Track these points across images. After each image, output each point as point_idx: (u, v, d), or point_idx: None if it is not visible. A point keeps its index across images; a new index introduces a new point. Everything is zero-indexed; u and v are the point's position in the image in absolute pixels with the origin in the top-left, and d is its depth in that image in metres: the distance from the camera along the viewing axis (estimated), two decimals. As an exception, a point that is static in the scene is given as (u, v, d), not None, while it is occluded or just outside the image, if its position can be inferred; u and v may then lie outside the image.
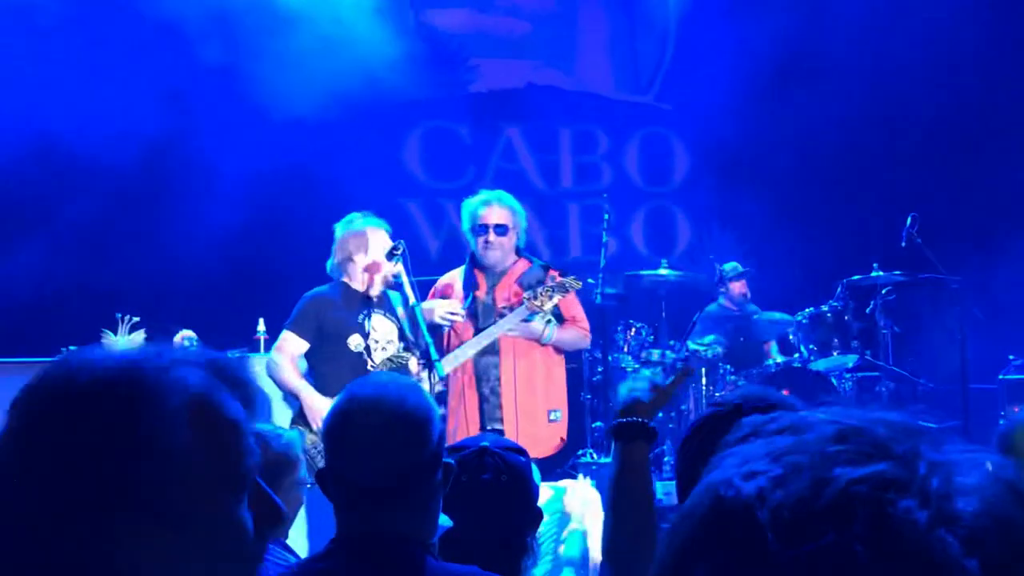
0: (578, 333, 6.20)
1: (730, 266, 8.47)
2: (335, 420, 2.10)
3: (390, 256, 5.57)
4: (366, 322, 5.64)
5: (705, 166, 10.41)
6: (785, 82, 9.44)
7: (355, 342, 5.56)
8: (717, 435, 0.89)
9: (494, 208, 6.16)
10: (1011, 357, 8.29)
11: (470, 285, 6.16)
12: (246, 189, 8.45)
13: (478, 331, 5.93)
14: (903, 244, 7.56)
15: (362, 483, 2.04)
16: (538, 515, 2.51)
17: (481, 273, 6.20)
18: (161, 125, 8.33)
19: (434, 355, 5.24)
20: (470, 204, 6.23)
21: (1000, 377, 8.07)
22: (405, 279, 5.51)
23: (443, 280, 6.36)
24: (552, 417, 6.01)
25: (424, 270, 8.59)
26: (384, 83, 9.37)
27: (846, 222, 9.54)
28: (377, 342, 5.63)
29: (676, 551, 0.77)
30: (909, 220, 7.52)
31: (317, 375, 5.60)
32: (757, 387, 2.15)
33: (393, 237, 5.80)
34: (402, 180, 10.18)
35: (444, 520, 2.16)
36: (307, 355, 5.69)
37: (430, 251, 10.16)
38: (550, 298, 5.84)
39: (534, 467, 2.53)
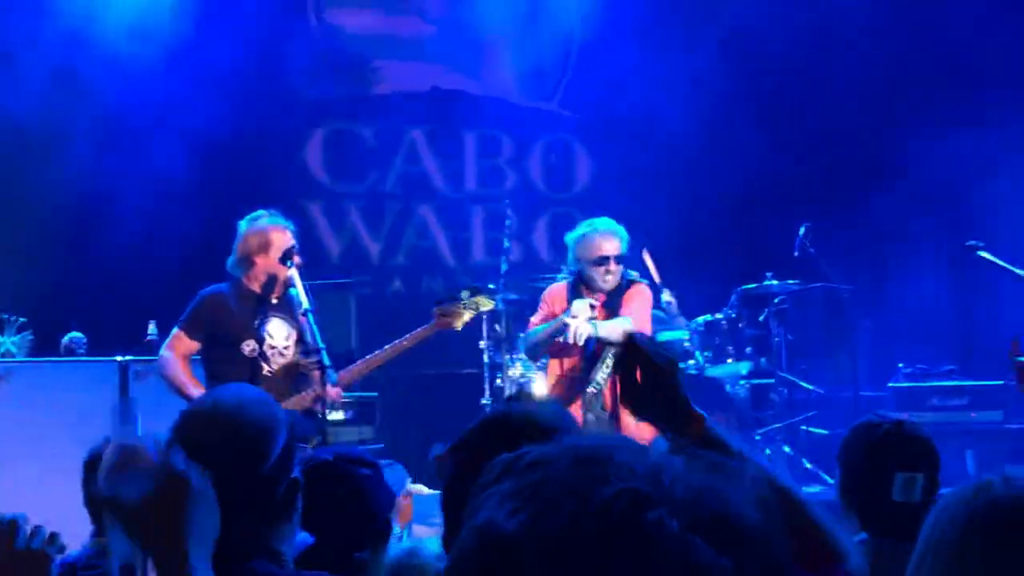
0: (622, 320, 5.97)
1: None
2: (175, 433, 2.05)
3: (283, 260, 5.47)
4: (262, 327, 5.51)
5: (607, 173, 10.49)
6: (686, 92, 9.56)
7: (249, 347, 5.45)
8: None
9: (613, 241, 6.12)
10: (900, 365, 8.52)
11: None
12: (144, 188, 8.31)
13: (584, 351, 5.97)
14: (796, 254, 7.71)
15: None
16: (383, 528, 2.50)
17: (590, 294, 6.16)
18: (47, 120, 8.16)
19: (327, 361, 5.17)
20: (590, 235, 6.14)
21: (889, 385, 8.28)
22: (299, 283, 5.41)
23: (548, 293, 6.36)
24: None
25: (324, 273, 8.56)
26: (286, 83, 9.29)
27: (741, 231, 9.69)
28: (274, 347, 5.52)
29: None
30: (802, 230, 7.67)
31: (210, 377, 5.47)
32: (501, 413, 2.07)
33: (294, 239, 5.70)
34: (304, 181, 10.08)
35: (304, 536, 2.13)
36: (201, 356, 5.57)
37: (331, 254, 10.09)
38: (460, 315, 5.83)
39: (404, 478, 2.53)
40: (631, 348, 1.73)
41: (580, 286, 6.19)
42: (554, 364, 6.21)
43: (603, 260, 6.05)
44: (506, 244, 8.13)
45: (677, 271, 8.62)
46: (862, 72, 9.85)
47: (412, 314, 6.69)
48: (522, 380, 7.56)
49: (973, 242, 5.65)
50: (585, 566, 0.73)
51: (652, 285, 8.05)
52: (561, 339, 5.96)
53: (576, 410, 5.87)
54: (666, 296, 8.09)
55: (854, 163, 9.91)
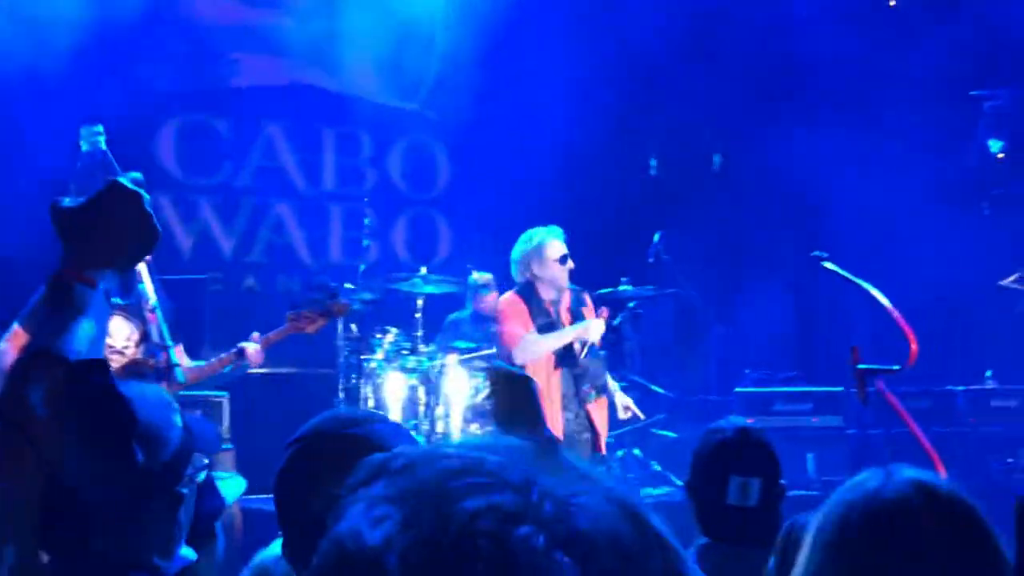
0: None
1: (480, 277, 8.47)
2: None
3: None
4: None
5: (467, 175, 10.51)
6: (545, 97, 9.64)
7: None
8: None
9: (562, 241, 6.53)
10: (747, 371, 8.74)
11: (539, 311, 6.39)
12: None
13: (556, 355, 6.29)
14: (651, 260, 7.85)
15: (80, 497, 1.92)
16: (205, 535, 2.45)
17: (548, 296, 6.45)
18: None
19: (174, 359, 5.02)
20: (548, 236, 6.48)
21: (736, 390, 8.49)
22: (147, 278, 5.24)
23: (515, 304, 6.41)
24: None
25: (174, 268, 8.32)
26: (137, 72, 9.01)
27: (598, 236, 9.82)
28: (112, 347, 5.33)
29: None
30: (657, 237, 7.81)
31: None
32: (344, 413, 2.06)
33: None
34: (154, 174, 9.78)
35: (188, 552, 2.05)
36: None
37: (182, 249, 9.82)
38: (313, 321, 5.75)
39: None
40: (497, 373, 1.74)
41: (534, 293, 6.41)
42: (539, 367, 6.22)
43: (565, 258, 6.40)
44: (364, 244, 8.06)
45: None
46: (719, 80, 10.07)
47: (267, 312, 6.60)
48: (379, 380, 7.50)
49: (819, 252, 5.82)
50: None
51: None
52: (576, 345, 6.29)
53: (556, 408, 6.17)
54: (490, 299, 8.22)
55: (708, 172, 10.14)
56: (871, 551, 1.54)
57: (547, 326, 6.33)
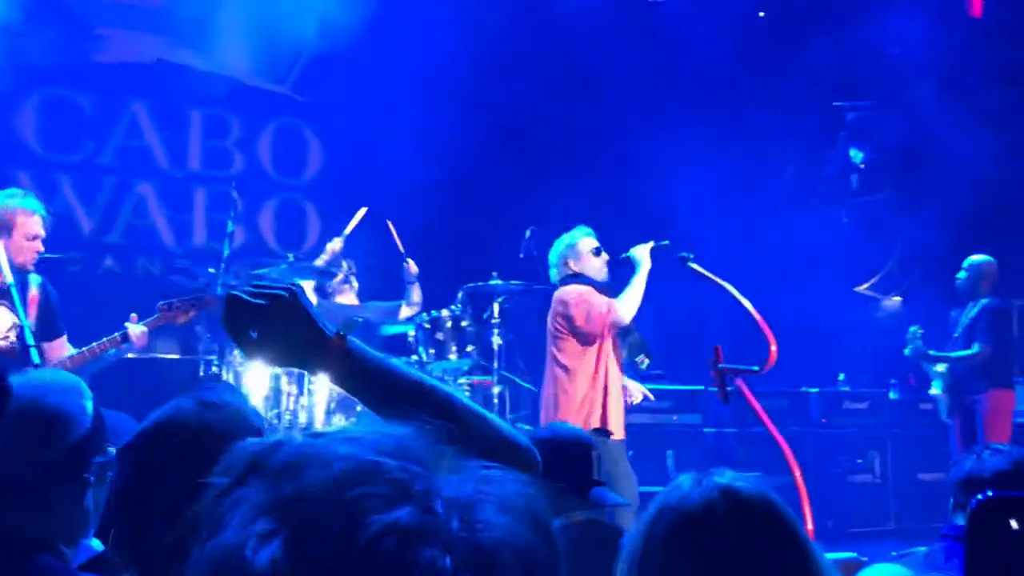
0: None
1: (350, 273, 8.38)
2: None
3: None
4: None
5: (339, 162, 10.39)
6: (419, 85, 9.60)
7: None
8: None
9: None
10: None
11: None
12: None
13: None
14: (521, 256, 7.88)
15: None
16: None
17: None
18: None
19: (29, 340, 4.89)
20: (579, 233, 6.66)
21: (600, 386, 8.58)
22: (2, 257, 5.08)
23: (581, 288, 6.49)
24: None
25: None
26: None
27: (470, 231, 9.83)
28: None
29: None
30: (528, 233, 7.84)
31: None
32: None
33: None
34: (12, 149, 9.42)
35: (95, 543, 1.98)
36: None
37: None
38: (186, 312, 5.66)
39: None
40: (231, 303, 1.59)
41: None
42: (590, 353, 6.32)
43: (598, 250, 6.61)
44: (230, 228, 7.89)
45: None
46: (589, 85, 10.16)
47: (126, 295, 6.42)
48: (240, 368, 7.37)
49: (685, 253, 5.93)
50: None
51: (397, 255, 8.17)
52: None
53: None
54: (412, 267, 8.19)
55: (580, 171, 10.23)
56: (675, 555, 1.56)
57: None
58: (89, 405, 2.00)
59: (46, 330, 5.44)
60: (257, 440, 0.75)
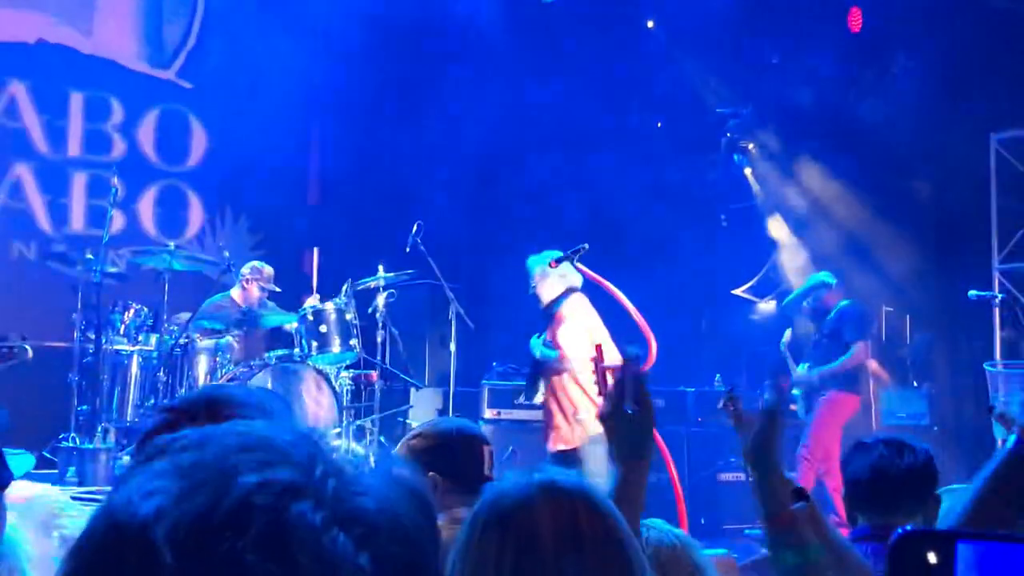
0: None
1: (252, 267, 8.22)
2: None
3: None
4: None
5: (223, 150, 10.21)
6: (306, 71, 9.52)
7: None
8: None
9: None
10: (495, 364, 8.92)
11: None
12: None
13: None
14: (408, 250, 7.88)
15: None
16: None
17: None
18: None
19: None
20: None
21: (482, 382, 8.64)
22: None
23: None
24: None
25: None
26: None
27: (357, 224, 9.78)
28: None
29: None
30: (415, 227, 7.84)
31: None
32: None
33: None
34: None
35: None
36: None
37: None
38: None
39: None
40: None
41: None
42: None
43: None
44: (109, 214, 7.73)
45: (292, 258, 8.58)
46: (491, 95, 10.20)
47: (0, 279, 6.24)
48: (118, 357, 7.23)
49: (575, 248, 6.01)
50: (216, 558, 0.70)
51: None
52: None
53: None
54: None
55: (471, 164, 10.26)
56: (492, 547, 1.60)
57: None
58: None
59: None
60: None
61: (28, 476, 5.87)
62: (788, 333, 8.53)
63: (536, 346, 6.73)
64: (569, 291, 6.61)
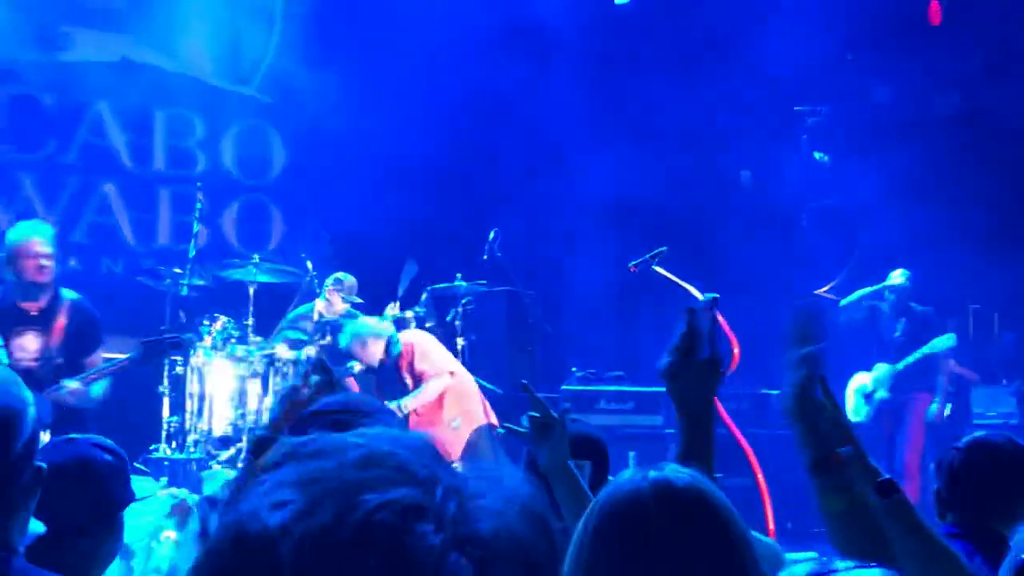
0: (433, 385, 7.14)
1: (335, 279, 8.29)
2: None
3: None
4: None
5: (303, 163, 10.36)
6: (384, 86, 9.61)
7: None
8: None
9: None
10: (573, 369, 8.92)
11: None
12: None
13: None
14: (485, 257, 7.93)
15: None
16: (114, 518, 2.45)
17: None
18: None
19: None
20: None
21: (562, 387, 8.65)
22: None
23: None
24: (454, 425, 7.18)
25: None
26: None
27: (435, 232, 9.84)
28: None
29: None
30: (492, 235, 7.90)
31: None
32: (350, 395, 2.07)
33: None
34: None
35: (36, 526, 2.01)
36: None
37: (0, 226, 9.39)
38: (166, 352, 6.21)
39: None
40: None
41: None
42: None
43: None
44: (195, 229, 7.89)
45: (370, 268, 8.65)
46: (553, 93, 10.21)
47: (89, 295, 6.40)
48: (204, 367, 7.36)
49: (648, 255, 5.99)
50: (337, 573, 0.71)
51: None
52: None
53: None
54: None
55: (540, 172, 10.28)
56: (605, 543, 1.60)
57: None
58: (27, 393, 1.98)
59: (81, 347, 5.92)
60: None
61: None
62: None
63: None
64: (390, 334, 7.14)
